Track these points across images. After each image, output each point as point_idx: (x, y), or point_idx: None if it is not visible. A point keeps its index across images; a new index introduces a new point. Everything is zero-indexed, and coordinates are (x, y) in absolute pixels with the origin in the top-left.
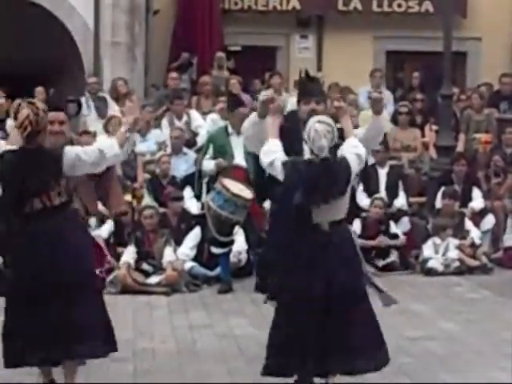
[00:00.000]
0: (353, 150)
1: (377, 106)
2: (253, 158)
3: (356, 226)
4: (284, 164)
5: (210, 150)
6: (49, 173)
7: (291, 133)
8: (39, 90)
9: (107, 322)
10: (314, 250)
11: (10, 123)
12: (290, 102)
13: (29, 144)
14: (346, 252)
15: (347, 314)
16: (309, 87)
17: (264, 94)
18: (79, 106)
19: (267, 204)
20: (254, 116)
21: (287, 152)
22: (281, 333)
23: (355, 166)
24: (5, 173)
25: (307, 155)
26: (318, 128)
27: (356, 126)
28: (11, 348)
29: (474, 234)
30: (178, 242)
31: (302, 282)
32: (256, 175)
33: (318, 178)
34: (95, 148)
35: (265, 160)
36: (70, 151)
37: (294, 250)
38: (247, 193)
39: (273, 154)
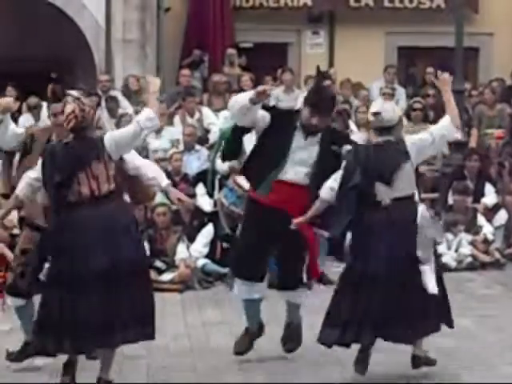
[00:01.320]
0: (431, 130)
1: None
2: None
3: None
4: (348, 151)
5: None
6: (92, 158)
7: (281, 132)
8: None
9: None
10: (375, 228)
11: (22, 120)
12: (301, 98)
13: (75, 137)
14: (402, 231)
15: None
16: (320, 101)
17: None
18: (99, 100)
19: None
20: (245, 97)
21: (270, 145)
22: (340, 307)
23: (413, 148)
24: (50, 163)
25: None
26: (384, 99)
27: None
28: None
29: (487, 229)
30: (191, 239)
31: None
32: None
33: (372, 159)
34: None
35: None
36: (107, 134)
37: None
38: None
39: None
